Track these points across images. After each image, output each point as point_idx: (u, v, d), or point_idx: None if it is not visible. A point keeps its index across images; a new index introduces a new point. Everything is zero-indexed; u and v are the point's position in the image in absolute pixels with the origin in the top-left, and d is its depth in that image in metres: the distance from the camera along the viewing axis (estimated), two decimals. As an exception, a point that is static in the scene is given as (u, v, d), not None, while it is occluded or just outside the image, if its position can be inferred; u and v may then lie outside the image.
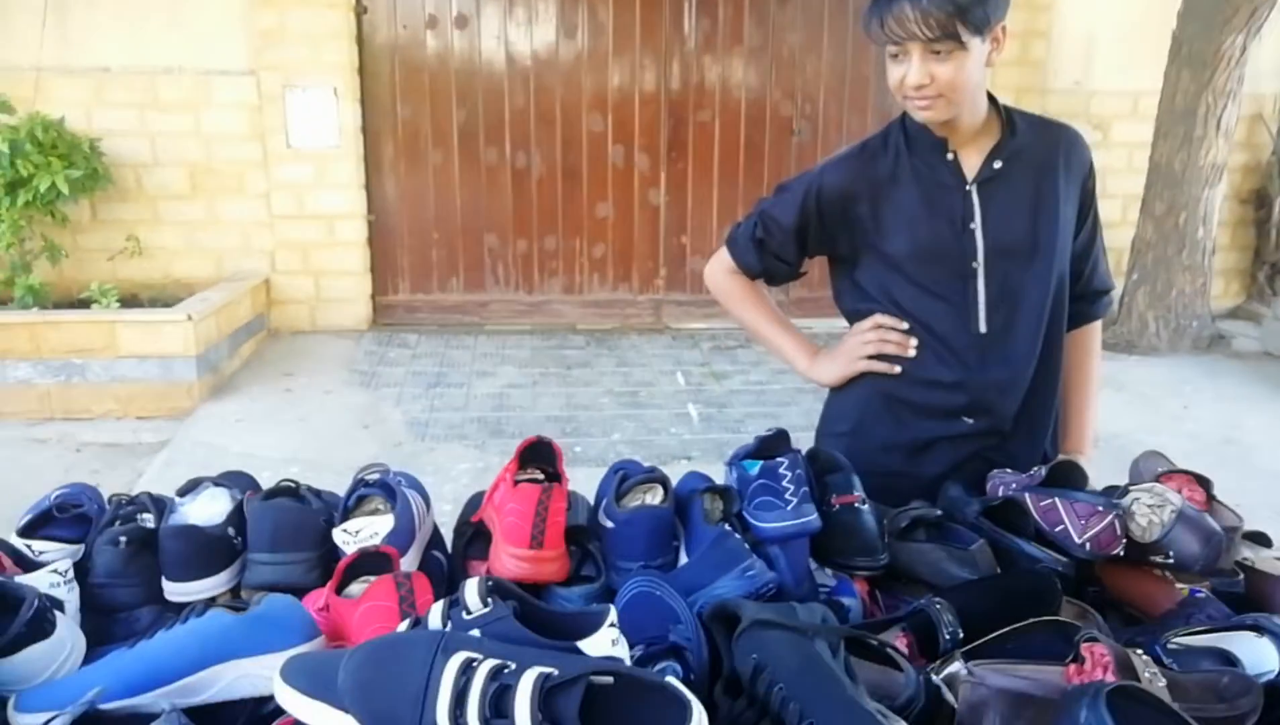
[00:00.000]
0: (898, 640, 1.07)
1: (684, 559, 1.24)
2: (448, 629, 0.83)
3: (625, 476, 1.32)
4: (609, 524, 1.25)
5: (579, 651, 0.82)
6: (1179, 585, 1.25)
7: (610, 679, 0.77)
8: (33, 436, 4.28)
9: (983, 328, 1.54)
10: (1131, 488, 1.32)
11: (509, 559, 1.17)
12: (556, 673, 0.71)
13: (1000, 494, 1.41)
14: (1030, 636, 1.02)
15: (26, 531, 1.17)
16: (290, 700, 0.80)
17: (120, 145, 5.29)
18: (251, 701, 0.92)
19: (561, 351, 5.60)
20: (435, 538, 1.36)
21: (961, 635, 1.03)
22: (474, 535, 1.29)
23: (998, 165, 1.52)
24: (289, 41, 5.30)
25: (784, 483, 1.24)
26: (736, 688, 0.87)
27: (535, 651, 0.77)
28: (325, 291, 5.72)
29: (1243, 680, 0.93)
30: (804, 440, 1.80)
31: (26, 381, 4.40)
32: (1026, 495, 1.34)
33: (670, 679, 0.75)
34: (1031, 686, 0.89)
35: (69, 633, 0.96)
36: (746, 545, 1.17)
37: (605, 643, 0.83)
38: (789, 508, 1.23)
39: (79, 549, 1.14)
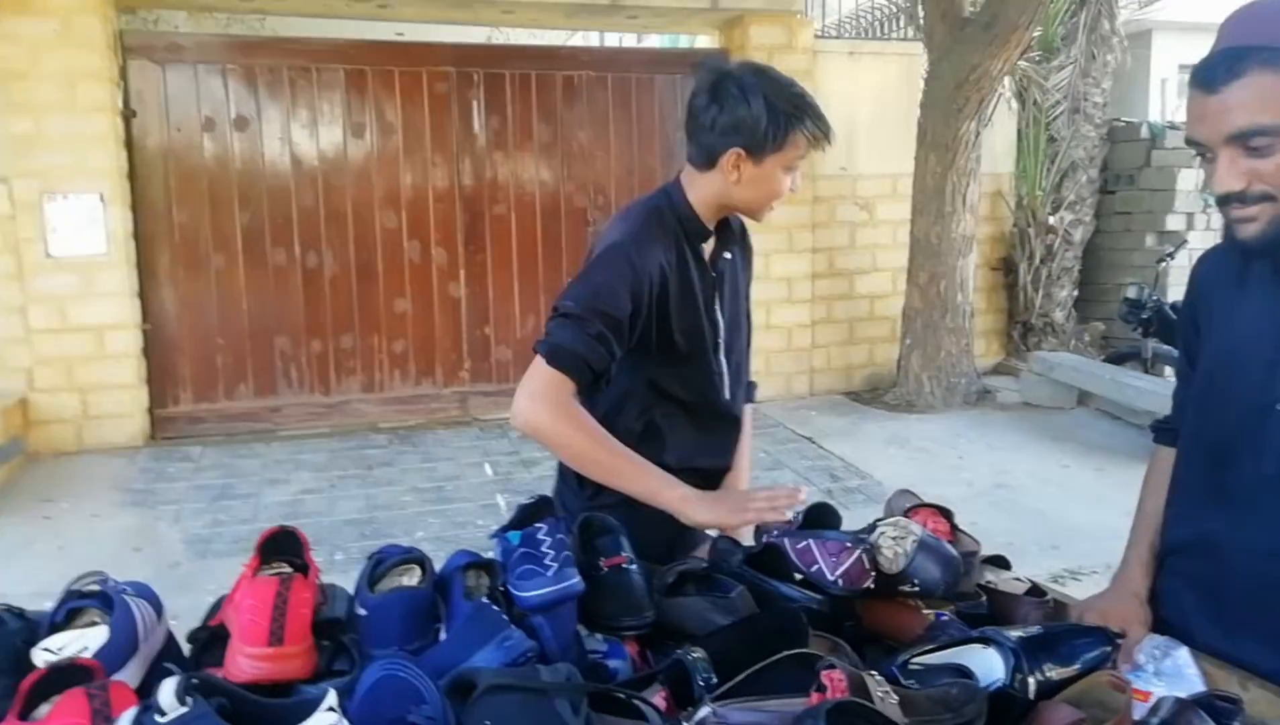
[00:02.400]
0: (657, 695, 1.06)
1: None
2: (135, 737, 0.74)
3: (380, 560, 1.26)
4: (363, 612, 1.18)
5: (287, 742, 0.75)
6: (926, 611, 1.32)
7: (318, 766, 0.71)
8: None
9: (726, 395, 1.73)
10: (878, 523, 1.39)
11: (245, 660, 1.07)
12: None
13: (763, 540, 1.45)
14: (779, 673, 1.03)
15: None
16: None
17: None
18: None
19: (362, 452, 5.38)
20: (172, 650, 1.23)
21: (715, 680, 1.03)
22: (210, 640, 1.18)
23: (728, 256, 1.71)
24: (47, 147, 4.96)
25: (544, 548, 1.22)
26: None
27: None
28: (94, 408, 5.25)
29: (969, 689, 0.98)
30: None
31: None
32: (785, 540, 1.39)
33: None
34: (772, 719, 0.89)
35: None
36: (504, 616, 1.14)
37: (321, 729, 0.77)
38: (549, 573, 1.20)
39: None
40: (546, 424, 1.49)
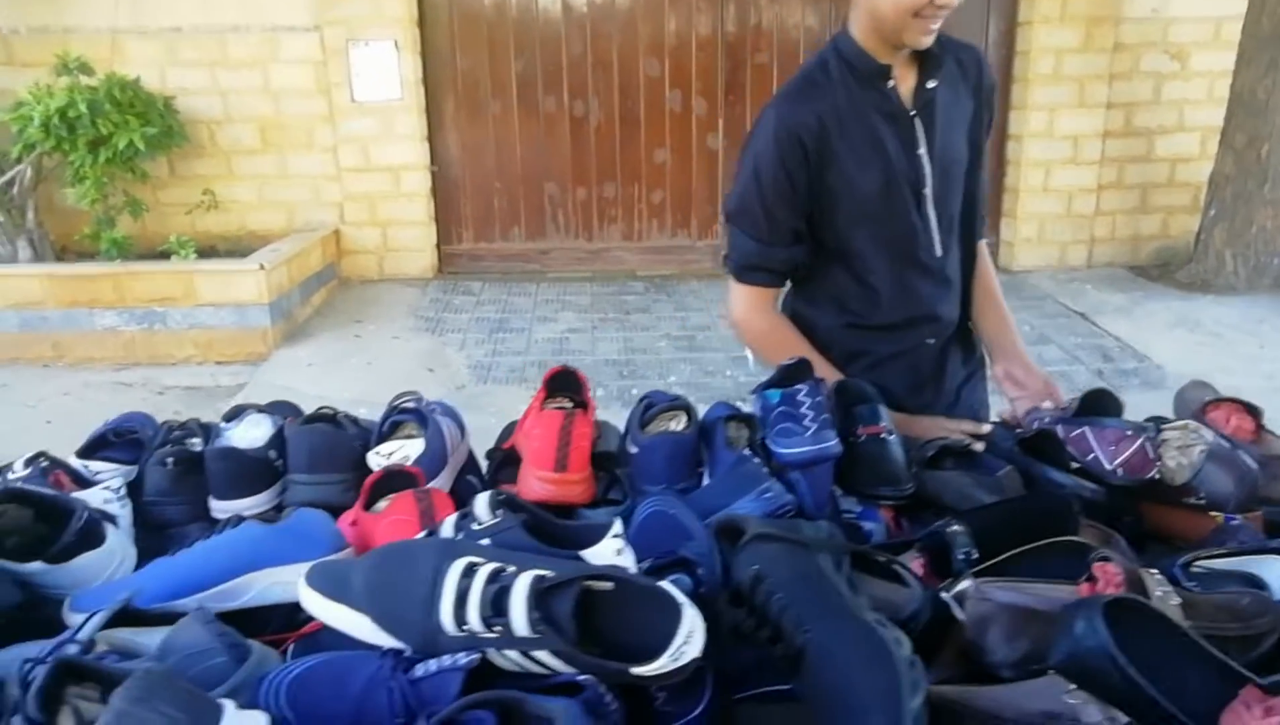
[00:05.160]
0: (913, 563, 1.08)
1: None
2: (458, 538, 0.86)
3: (650, 405, 1.35)
4: (633, 449, 1.28)
5: (581, 560, 0.85)
6: (1214, 513, 1.23)
7: (610, 585, 0.79)
8: (119, 380, 4.50)
9: (938, 252, 1.55)
10: (1164, 427, 1.28)
11: (535, 481, 1.21)
12: (553, 574, 0.74)
13: (1035, 427, 1.39)
14: (1046, 558, 1.02)
15: (84, 453, 1.25)
16: (313, 602, 0.85)
17: (194, 103, 5.45)
18: (285, 607, 0.96)
19: (621, 297, 5.63)
20: (472, 465, 1.40)
21: (975, 556, 1.03)
22: (504, 460, 1.34)
23: (931, 85, 1.48)
24: (350, -5, 5.36)
25: (802, 410, 1.25)
26: (740, 599, 0.89)
27: (536, 557, 0.80)
28: (392, 241, 5.84)
29: (1263, 602, 0.92)
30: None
31: (113, 328, 4.62)
32: (1059, 427, 1.33)
33: (665, 584, 0.78)
34: (1037, 602, 0.89)
35: (119, 543, 1.03)
36: (765, 469, 1.19)
37: (609, 552, 0.86)
38: (807, 434, 1.23)
39: (132, 470, 1.22)
40: (749, 342, 1.60)
